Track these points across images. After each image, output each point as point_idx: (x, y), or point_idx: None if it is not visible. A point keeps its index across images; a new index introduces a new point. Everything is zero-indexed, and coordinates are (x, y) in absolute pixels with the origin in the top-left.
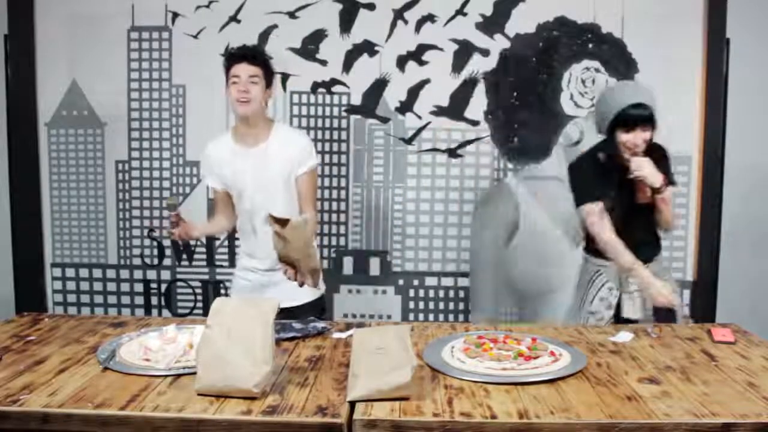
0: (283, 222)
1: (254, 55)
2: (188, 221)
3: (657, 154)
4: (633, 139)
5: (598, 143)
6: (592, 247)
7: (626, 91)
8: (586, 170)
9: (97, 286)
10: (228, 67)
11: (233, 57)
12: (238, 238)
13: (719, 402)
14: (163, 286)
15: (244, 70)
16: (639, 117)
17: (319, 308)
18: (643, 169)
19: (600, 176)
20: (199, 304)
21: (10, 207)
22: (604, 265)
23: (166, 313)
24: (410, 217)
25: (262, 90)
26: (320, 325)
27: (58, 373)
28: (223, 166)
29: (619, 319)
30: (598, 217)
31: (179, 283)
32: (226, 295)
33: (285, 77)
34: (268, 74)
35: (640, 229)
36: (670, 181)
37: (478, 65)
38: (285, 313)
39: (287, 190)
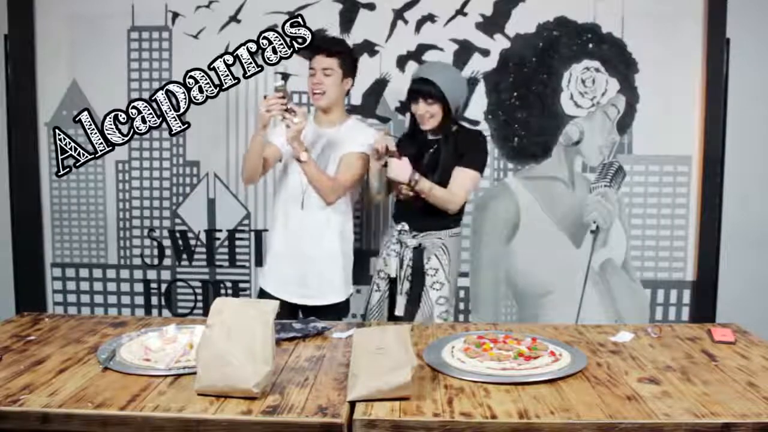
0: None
1: (331, 47)
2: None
3: (467, 138)
4: (417, 110)
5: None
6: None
7: (423, 69)
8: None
9: (97, 286)
10: (310, 58)
11: (312, 48)
12: (239, 238)
13: (719, 402)
14: (163, 286)
15: (319, 62)
16: (420, 90)
17: (345, 310)
18: (391, 170)
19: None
20: (200, 304)
21: (10, 207)
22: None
23: (166, 313)
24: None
25: (337, 81)
26: (320, 325)
27: (58, 373)
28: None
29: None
30: None
31: (179, 283)
32: (227, 295)
33: (285, 77)
34: (347, 65)
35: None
36: (468, 164)
37: (478, 65)
38: (311, 312)
39: None
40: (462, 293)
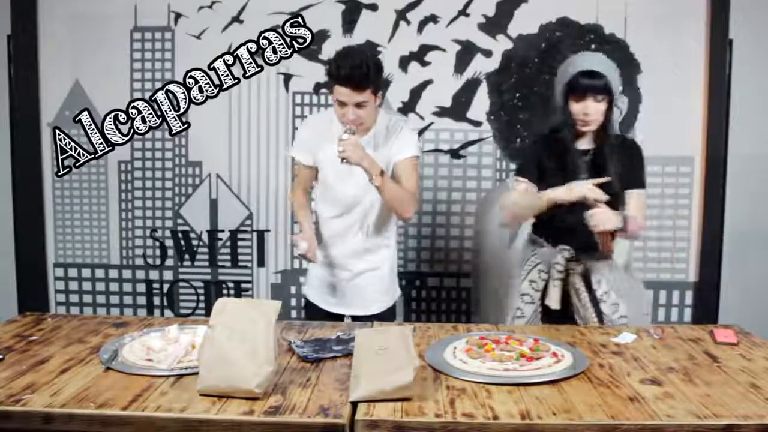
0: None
1: (361, 81)
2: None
3: (628, 153)
4: (584, 109)
5: (558, 118)
6: (536, 226)
7: (583, 59)
8: (533, 144)
9: (100, 286)
10: (331, 84)
11: (337, 77)
12: (241, 239)
13: (721, 403)
14: (166, 287)
15: (349, 96)
16: (589, 85)
17: (392, 317)
18: (602, 223)
19: (539, 156)
20: (202, 305)
21: (13, 207)
22: (541, 244)
23: (168, 313)
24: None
25: (372, 107)
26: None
27: (61, 373)
28: (319, 145)
29: (544, 307)
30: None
31: (181, 284)
32: (229, 295)
33: (287, 78)
34: (378, 88)
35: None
36: (639, 184)
37: (481, 66)
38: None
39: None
40: (464, 294)
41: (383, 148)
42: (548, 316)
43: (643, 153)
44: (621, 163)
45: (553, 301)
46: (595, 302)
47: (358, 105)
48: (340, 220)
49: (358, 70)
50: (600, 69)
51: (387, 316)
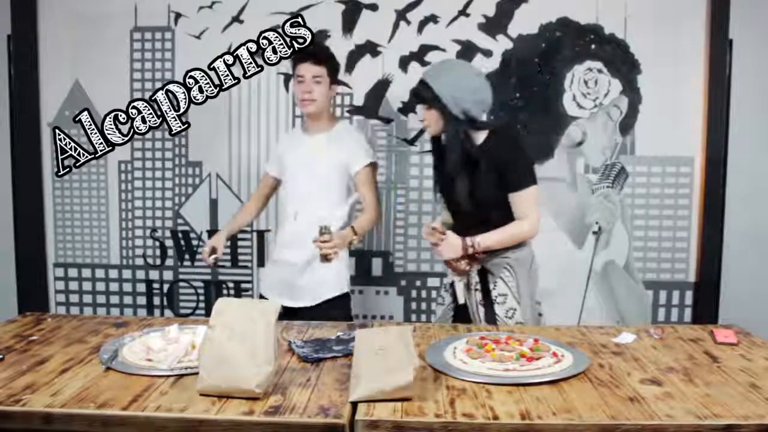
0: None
1: (318, 55)
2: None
3: (502, 155)
4: (419, 114)
5: None
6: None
7: (426, 69)
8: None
9: (100, 286)
10: (294, 65)
11: (299, 55)
12: (241, 239)
13: (721, 403)
14: (166, 287)
15: (308, 69)
16: (417, 94)
17: (345, 308)
18: (444, 252)
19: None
20: (202, 305)
21: (13, 207)
22: None
23: (168, 313)
24: (413, 217)
25: (326, 88)
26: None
27: (61, 373)
28: (283, 150)
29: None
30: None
31: (181, 284)
32: (228, 295)
33: (287, 78)
34: (333, 71)
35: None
36: (518, 185)
37: (481, 66)
38: (313, 311)
39: (339, 181)
40: None
41: (339, 150)
42: (458, 312)
43: (520, 150)
44: (491, 168)
45: (457, 297)
46: (490, 302)
47: (315, 80)
48: (281, 208)
49: (318, 46)
50: (435, 78)
51: (342, 306)
